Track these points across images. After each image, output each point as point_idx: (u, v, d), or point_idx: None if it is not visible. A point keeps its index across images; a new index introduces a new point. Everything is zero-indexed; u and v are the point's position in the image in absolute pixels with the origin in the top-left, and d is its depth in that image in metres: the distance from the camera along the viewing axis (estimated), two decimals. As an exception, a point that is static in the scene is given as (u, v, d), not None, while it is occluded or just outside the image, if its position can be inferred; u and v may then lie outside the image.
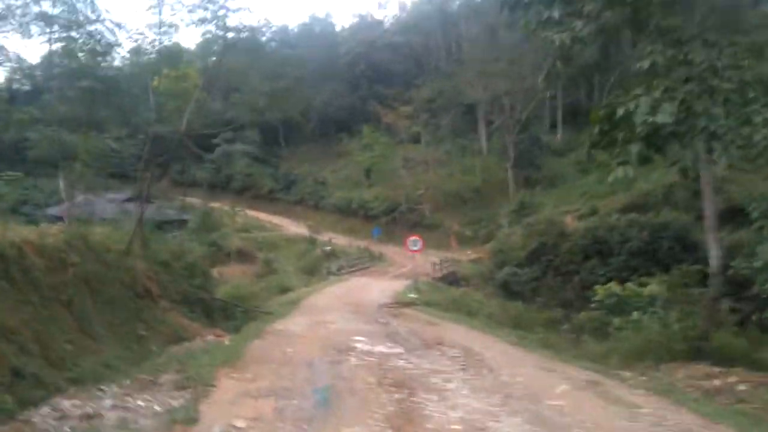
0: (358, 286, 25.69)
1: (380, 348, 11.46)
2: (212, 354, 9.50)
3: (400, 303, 20.04)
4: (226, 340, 11.30)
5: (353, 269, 33.63)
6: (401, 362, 10.20)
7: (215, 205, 58.00)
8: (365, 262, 36.40)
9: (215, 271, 39.81)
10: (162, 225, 48.93)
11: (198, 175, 70.53)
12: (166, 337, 10.57)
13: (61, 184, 16.97)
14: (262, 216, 61.82)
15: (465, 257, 43.85)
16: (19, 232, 8.56)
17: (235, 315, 16.83)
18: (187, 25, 17.63)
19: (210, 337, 11.65)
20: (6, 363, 5.78)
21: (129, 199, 50.11)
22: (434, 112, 57.66)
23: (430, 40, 71.95)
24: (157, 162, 18.22)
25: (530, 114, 50.81)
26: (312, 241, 48.19)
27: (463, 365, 10.05)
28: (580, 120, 58.78)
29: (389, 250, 45.56)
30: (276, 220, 61.11)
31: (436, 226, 50.90)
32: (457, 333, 13.74)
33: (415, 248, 22.08)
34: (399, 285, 26.51)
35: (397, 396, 7.53)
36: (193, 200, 63.25)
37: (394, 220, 53.38)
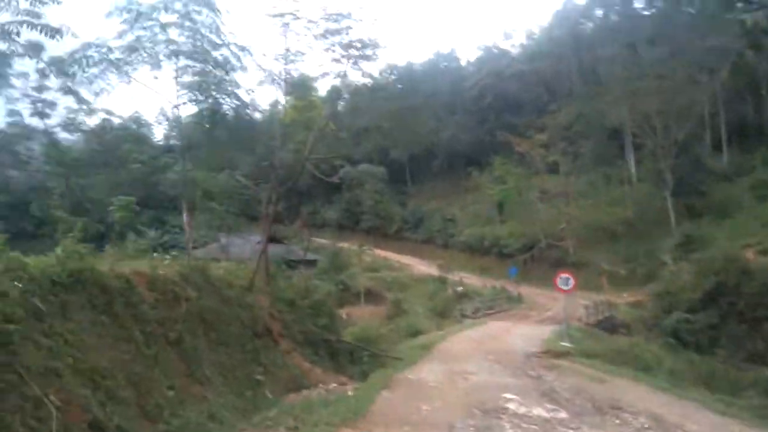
0: (498, 331, 23.49)
1: (538, 411, 9.46)
2: (333, 408, 8.20)
3: (552, 352, 17.60)
4: (350, 390, 9.99)
5: (490, 312, 31.36)
6: (570, 434, 8.18)
7: (344, 244, 58.96)
8: (503, 304, 33.93)
9: (343, 312, 39.59)
10: (292, 265, 50.64)
11: (327, 216, 72.67)
12: (285, 384, 9.53)
13: (185, 218, 17.35)
14: (391, 255, 61.55)
15: (620, 300, 39.57)
16: (131, 263, 8.04)
17: (361, 359, 15.63)
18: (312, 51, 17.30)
19: (333, 386, 10.46)
20: (83, 414, 4.87)
21: (269, 240, 52.86)
22: (572, 139, 54.16)
23: (562, 65, 68.98)
24: (281, 190, 17.78)
25: (688, 134, 45.48)
26: (442, 281, 46.51)
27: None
28: (749, 139, 52.03)
29: (529, 291, 42.51)
30: (404, 259, 60.46)
31: (582, 264, 46.82)
32: (637, 394, 11.22)
33: (565, 287, 19.56)
34: (545, 331, 23.87)
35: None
36: (323, 241, 65.08)
37: (532, 258, 50.19)
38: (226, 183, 25.70)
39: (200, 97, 15.86)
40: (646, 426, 8.70)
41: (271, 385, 9.12)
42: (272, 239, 52.47)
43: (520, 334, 22.58)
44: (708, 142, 51.23)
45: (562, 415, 9.35)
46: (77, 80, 12.77)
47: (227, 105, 17.50)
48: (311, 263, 52.30)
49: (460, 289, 43.31)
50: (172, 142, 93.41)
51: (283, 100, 20.12)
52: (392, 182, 73.11)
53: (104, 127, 56.90)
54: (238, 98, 17.70)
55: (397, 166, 74.77)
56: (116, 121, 66.26)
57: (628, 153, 54.88)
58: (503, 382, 11.98)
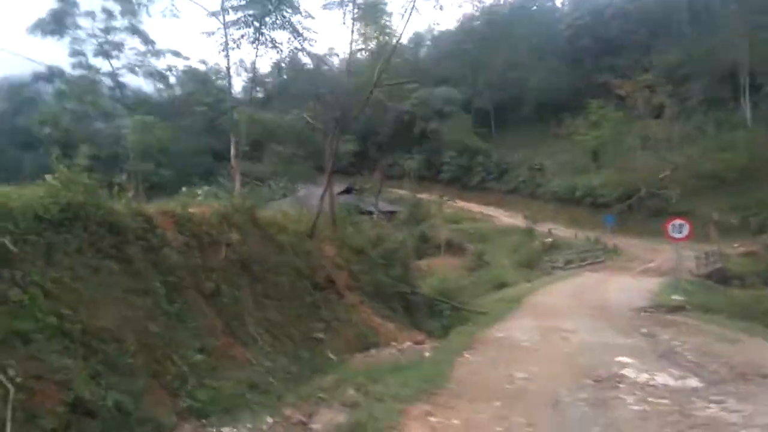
0: (595, 284, 21.18)
1: (663, 378, 7.51)
2: (404, 375, 6.72)
3: (664, 307, 15.31)
4: (428, 351, 8.46)
5: (584, 263, 28.82)
6: (715, 409, 6.23)
7: (424, 195, 57.27)
8: (598, 256, 31.16)
9: (423, 264, 38.29)
10: (375, 216, 49.58)
11: (407, 166, 70.96)
12: (350, 342, 8.17)
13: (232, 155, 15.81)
14: (473, 207, 59.22)
15: (731, 251, 35.69)
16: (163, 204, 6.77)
17: (441, 313, 14.13)
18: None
19: (407, 344, 8.98)
20: (59, 392, 3.58)
21: (345, 191, 52.15)
22: (680, 81, 48.46)
23: (670, 2, 61.72)
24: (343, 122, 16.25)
25: None
26: (529, 233, 43.89)
27: None
28: None
29: (626, 243, 39.15)
30: (488, 210, 57.93)
31: (687, 213, 42.30)
32: (786, 358, 8.96)
33: (678, 235, 16.89)
34: (649, 283, 21.30)
35: None
36: (402, 192, 63.62)
37: (629, 209, 46.19)
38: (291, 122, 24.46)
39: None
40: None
41: (333, 344, 7.78)
42: (349, 190, 51.86)
43: (622, 287, 20.19)
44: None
45: (694, 383, 7.39)
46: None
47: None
48: (392, 215, 51.29)
49: (549, 240, 40.66)
50: (251, 95, 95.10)
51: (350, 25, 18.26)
52: (476, 131, 69.95)
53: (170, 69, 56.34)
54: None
55: (482, 114, 71.35)
56: (184, 64, 67.29)
57: (744, 96, 48.71)
58: (612, 342, 10.03)
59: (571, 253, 30.26)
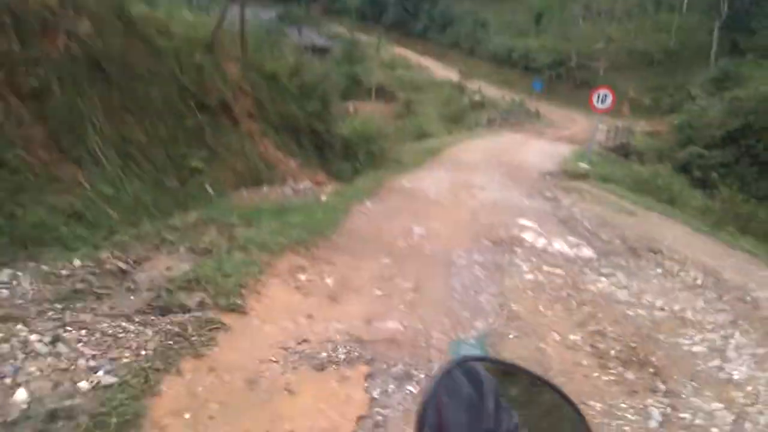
0: (511, 145, 20.49)
1: (560, 245, 6.86)
2: (288, 217, 5.58)
3: (570, 173, 14.85)
4: (325, 194, 7.31)
5: (506, 124, 28.10)
6: (605, 283, 5.62)
7: (363, 37, 53.30)
8: (520, 118, 30.47)
9: (350, 106, 36.41)
10: (304, 50, 46.00)
11: (349, 2, 65.17)
12: (238, 176, 6.84)
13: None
14: (411, 55, 56.10)
15: (638, 128, 36.17)
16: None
17: (355, 157, 12.94)
18: None
19: (305, 184, 7.76)
20: None
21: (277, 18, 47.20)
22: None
23: None
24: None
25: None
26: (460, 88, 42.34)
27: (728, 310, 5.31)
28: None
29: (548, 110, 38.64)
30: (425, 61, 55.10)
31: (610, 87, 42.19)
32: (675, 234, 8.56)
33: (602, 105, 16.03)
34: (562, 150, 20.88)
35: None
36: (340, 29, 58.85)
37: (558, 77, 45.22)
38: None
39: None
40: (699, 282, 6.17)
41: (215, 176, 6.42)
42: (281, 18, 46.77)
43: (536, 150, 19.63)
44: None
45: (588, 253, 6.81)
46: None
47: None
48: (325, 51, 47.64)
49: (477, 97, 39.45)
50: None
51: None
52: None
53: None
54: None
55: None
56: None
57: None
58: (517, 204, 9.32)
59: (495, 113, 29.33)
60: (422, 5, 62.71)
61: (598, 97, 16.05)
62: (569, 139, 26.82)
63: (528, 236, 6.87)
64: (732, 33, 39.40)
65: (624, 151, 26.59)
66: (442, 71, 50.87)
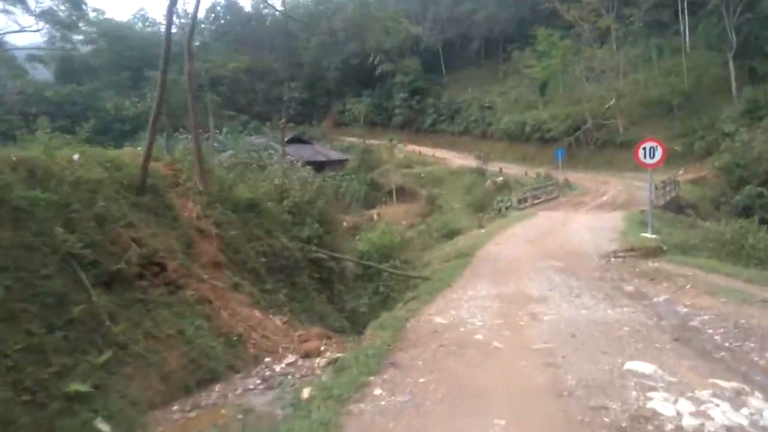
0: (553, 224, 17.75)
1: (718, 409, 3.93)
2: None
3: (639, 250, 11.92)
4: (313, 382, 4.60)
5: (537, 201, 25.48)
6: None
7: (374, 141, 53.11)
8: (551, 192, 27.90)
9: (374, 212, 34.57)
10: (322, 166, 45.43)
11: (357, 112, 66.13)
12: (168, 380, 4.25)
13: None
14: (425, 150, 55.37)
15: (679, 178, 33.20)
16: None
17: (374, 279, 10.40)
18: None
19: (289, 358, 5.13)
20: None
21: (290, 140, 47.34)
22: (625, 3, 44.38)
23: None
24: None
25: None
26: (480, 173, 40.43)
27: None
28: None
29: (577, 178, 36.15)
30: (440, 153, 54.14)
31: (633, 142, 39.53)
32: None
33: (651, 160, 13.34)
34: (611, 220, 18.02)
35: None
36: (352, 139, 58.97)
37: (577, 141, 43.16)
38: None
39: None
40: None
41: (119, 395, 3.84)
42: (297, 140, 47.14)
43: (583, 226, 16.80)
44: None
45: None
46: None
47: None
48: (342, 163, 47.03)
49: (500, 179, 37.33)
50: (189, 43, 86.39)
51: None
52: (426, 72, 65.18)
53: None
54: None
55: (431, 55, 66.36)
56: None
57: (682, 19, 45.18)
58: (601, 323, 6.40)
59: (523, 191, 26.83)
60: (427, 101, 63.12)
61: (645, 151, 13.40)
62: (611, 205, 23.97)
63: (659, 404, 3.97)
64: (747, 61, 37.19)
65: (676, 207, 23.46)
66: (459, 160, 49.52)
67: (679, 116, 38.69)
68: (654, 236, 13.69)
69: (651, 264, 10.47)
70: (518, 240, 14.61)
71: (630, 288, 8.68)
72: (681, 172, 35.10)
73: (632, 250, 12.19)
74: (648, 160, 13.45)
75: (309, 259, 8.90)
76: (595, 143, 42.24)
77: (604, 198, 26.54)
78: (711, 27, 42.29)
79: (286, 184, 9.77)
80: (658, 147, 13.32)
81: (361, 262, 10.28)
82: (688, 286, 8.19)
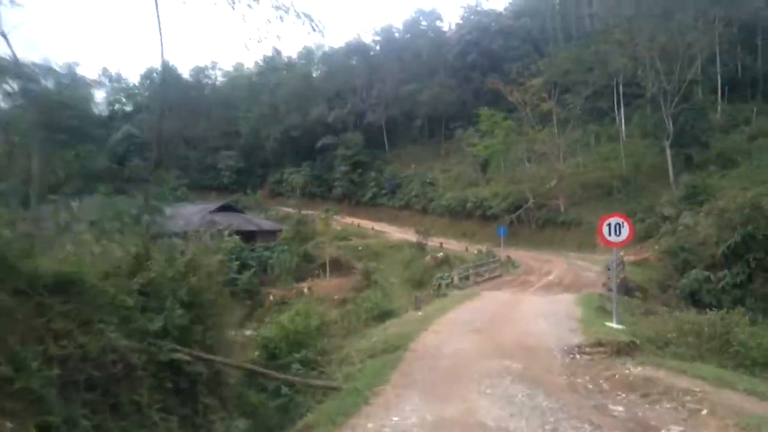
0: (501, 308, 15.28)
1: None
2: None
3: (608, 345, 9.51)
4: None
5: (480, 280, 23.22)
6: None
7: (312, 212, 50.74)
8: (494, 269, 25.84)
9: (304, 286, 31.22)
10: (253, 236, 41.98)
11: (294, 181, 63.89)
12: None
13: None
14: (364, 223, 53.29)
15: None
16: None
17: (267, 390, 7.36)
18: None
19: None
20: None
21: (218, 209, 44.01)
22: (566, 89, 45.39)
23: (548, 22, 60.28)
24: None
25: (690, 80, 37.28)
26: (420, 247, 38.36)
27: None
28: (740, 90, 44.64)
29: (518, 255, 34.60)
30: (379, 226, 52.14)
31: (574, 223, 39.06)
32: None
33: (617, 238, 11.34)
34: (564, 302, 15.81)
35: None
36: (289, 210, 56.24)
37: (519, 220, 42.18)
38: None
39: None
40: None
41: None
42: (227, 208, 43.78)
43: (535, 310, 14.38)
44: (699, 95, 43.34)
45: None
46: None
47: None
48: (271, 233, 43.97)
49: (440, 254, 35.28)
50: (116, 106, 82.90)
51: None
52: (369, 147, 64.40)
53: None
54: None
55: (374, 130, 65.97)
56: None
57: (618, 109, 46.80)
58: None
59: (465, 268, 24.58)
60: (368, 175, 61.86)
61: (610, 228, 11.37)
62: (559, 286, 22.00)
63: None
64: (684, 149, 38.04)
65: (625, 289, 21.73)
66: (399, 234, 47.52)
67: (618, 199, 38.56)
68: (620, 326, 11.41)
69: (632, 368, 8.00)
70: (462, 328, 11.94)
71: (620, 409, 6.10)
72: (622, 253, 34.29)
73: (600, 345, 9.74)
74: (613, 238, 11.40)
75: (159, 362, 5.83)
76: (536, 222, 41.39)
77: (550, 277, 24.66)
78: (645, 117, 43.84)
79: (144, 255, 6.81)
80: (625, 223, 11.32)
81: (242, 365, 7.24)
82: (704, 412, 5.69)
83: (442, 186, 53.17)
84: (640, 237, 35.10)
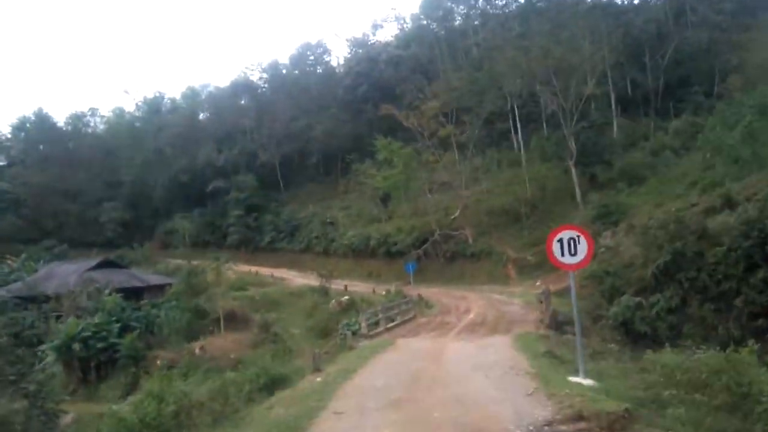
0: (423, 360, 11.72)
1: None
2: None
3: (590, 417, 6.23)
4: None
5: (392, 324, 19.58)
6: None
7: (204, 262, 44.86)
8: (406, 311, 22.41)
9: (197, 346, 26.68)
10: (140, 293, 36.33)
11: (181, 228, 57.52)
12: None
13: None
14: (263, 270, 48.17)
15: (535, 290, 30.26)
16: None
17: None
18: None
19: None
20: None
21: (98, 265, 37.35)
22: (464, 111, 44.26)
23: (435, 52, 60.19)
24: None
25: (590, 93, 37.27)
26: (323, 292, 34.20)
27: None
28: (633, 108, 46.31)
29: (430, 293, 31.64)
30: (279, 272, 47.28)
31: (484, 253, 36.98)
32: None
33: (572, 259, 8.19)
34: (501, 349, 12.58)
35: None
36: (179, 261, 49.84)
37: (426, 254, 39.52)
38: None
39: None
40: None
41: None
42: (109, 263, 37.33)
43: (469, 362, 10.95)
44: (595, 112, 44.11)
45: None
46: None
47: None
48: (162, 288, 37.99)
49: (345, 298, 31.40)
50: None
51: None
52: (264, 189, 59.72)
53: None
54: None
55: (268, 171, 61.55)
56: None
57: (515, 132, 46.49)
58: None
59: (373, 312, 20.82)
60: (264, 218, 57.03)
61: (562, 245, 8.27)
62: (483, 325, 18.91)
63: None
64: (588, 168, 37.63)
65: (554, 323, 19.11)
66: (300, 279, 43.09)
67: (527, 225, 37.18)
68: (590, 382, 8.20)
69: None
70: (375, 400, 8.17)
71: None
72: (538, 283, 32.44)
73: (581, 418, 6.44)
74: (567, 259, 8.30)
75: None
76: (444, 256, 38.94)
77: (471, 316, 21.60)
78: (542, 139, 43.49)
79: None
80: (582, 237, 8.26)
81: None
82: None
83: (343, 225, 49.71)
84: (552, 265, 33.81)
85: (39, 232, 60.04)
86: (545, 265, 33.66)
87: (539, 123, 42.48)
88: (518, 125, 44.85)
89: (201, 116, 71.21)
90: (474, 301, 26.72)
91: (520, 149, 44.99)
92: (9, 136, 72.60)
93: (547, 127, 41.70)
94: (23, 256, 45.43)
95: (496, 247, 36.78)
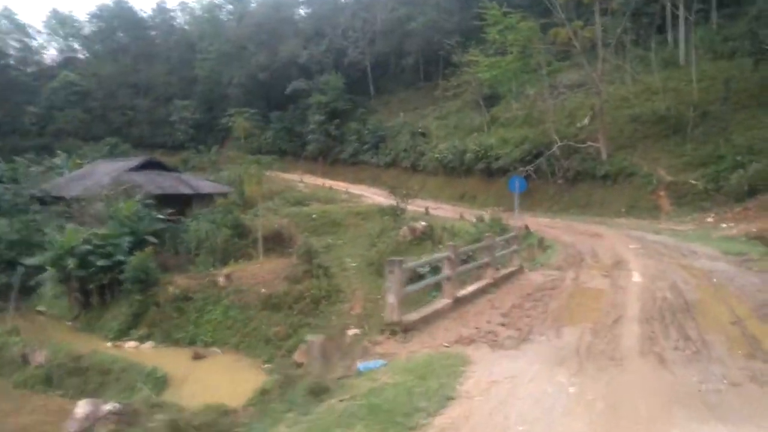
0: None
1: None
2: None
3: None
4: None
5: (464, 292, 9.30)
6: None
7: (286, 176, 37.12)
8: (505, 255, 12.08)
9: (222, 274, 18.63)
10: (187, 201, 28.90)
11: (263, 139, 50.05)
12: None
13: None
14: (339, 184, 39.57)
15: (716, 232, 18.50)
16: None
17: None
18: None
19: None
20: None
21: (142, 166, 30.45)
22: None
23: None
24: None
25: None
26: (395, 214, 24.43)
27: None
28: None
29: (541, 225, 21.07)
30: (357, 189, 38.34)
31: (623, 174, 24.91)
32: None
33: None
34: None
35: None
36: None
37: (537, 174, 28.07)
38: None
39: None
40: None
41: None
42: (154, 164, 30.16)
43: None
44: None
45: None
46: None
47: None
48: (206, 197, 30.75)
49: (421, 224, 21.51)
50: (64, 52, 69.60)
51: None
52: (350, 92, 49.78)
53: None
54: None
55: (357, 72, 51.35)
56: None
57: (677, 28, 31.73)
58: None
59: (455, 250, 10.22)
60: (348, 127, 47.54)
61: None
62: (704, 314, 8.36)
63: None
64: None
65: None
66: (379, 197, 33.60)
67: (694, 137, 24.20)
68: None
69: None
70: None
71: None
72: (711, 219, 20.39)
73: None
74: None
75: None
76: (564, 175, 27.27)
77: (638, 279, 10.68)
78: (712, 32, 29.30)
79: None
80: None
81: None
82: None
83: (436, 136, 39.02)
84: (736, 195, 21.16)
85: (105, 129, 55.58)
86: (719, 193, 21.25)
87: (700, 14, 27.79)
88: (678, 17, 30.13)
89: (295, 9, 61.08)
90: (620, 243, 15.69)
91: (677, 45, 30.61)
92: (87, 23, 68.20)
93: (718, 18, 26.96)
94: (67, 154, 39.89)
95: (641, 166, 24.53)
